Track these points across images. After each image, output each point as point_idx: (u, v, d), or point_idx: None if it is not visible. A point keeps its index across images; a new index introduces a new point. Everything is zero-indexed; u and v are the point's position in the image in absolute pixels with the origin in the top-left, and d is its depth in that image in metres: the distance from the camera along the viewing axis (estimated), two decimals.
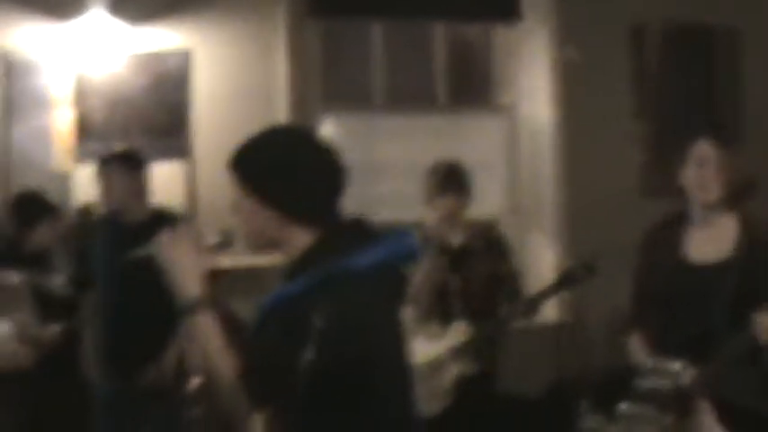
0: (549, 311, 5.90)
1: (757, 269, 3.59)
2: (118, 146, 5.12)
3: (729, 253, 3.66)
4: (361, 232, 2.39)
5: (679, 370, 3.51)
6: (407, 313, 4.92)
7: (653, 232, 3.95)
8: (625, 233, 4.35)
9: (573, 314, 4.80)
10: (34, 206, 4.86)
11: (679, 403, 3.46)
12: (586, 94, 6.08)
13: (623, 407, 3.55)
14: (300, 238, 2.38)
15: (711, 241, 3.73)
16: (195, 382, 3.95)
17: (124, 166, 4.75)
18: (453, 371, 4.62)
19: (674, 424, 3.44)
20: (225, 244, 2.57)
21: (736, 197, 3.69)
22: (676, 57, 6.42)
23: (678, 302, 3.76)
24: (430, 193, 4.80)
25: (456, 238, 4.87)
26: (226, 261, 3.51)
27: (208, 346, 2.36)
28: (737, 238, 3.68)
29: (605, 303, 5.69)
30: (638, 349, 3.90)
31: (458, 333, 4.67)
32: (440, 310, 4.77)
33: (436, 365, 4.63)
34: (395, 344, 2.44)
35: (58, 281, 4.76)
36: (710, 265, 3.70)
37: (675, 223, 3.87)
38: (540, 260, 6.09)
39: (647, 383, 3.54)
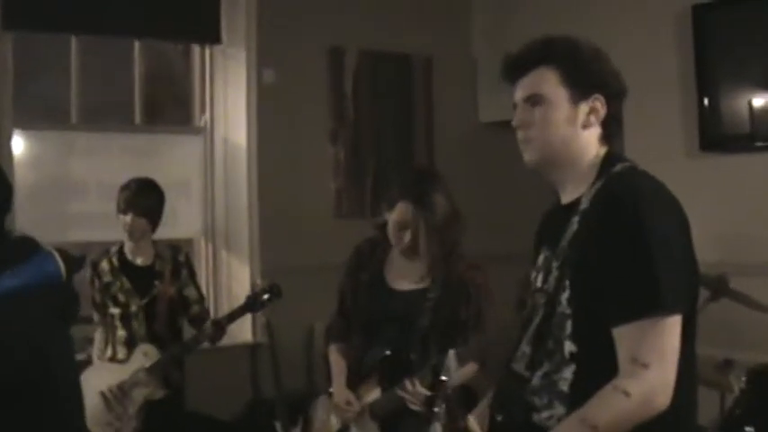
0: (245, 332, 5.94)
1: (449, 303, 3.80)
2: None
3: (425, 285, 3.86)
4: (22, 253, 2.37)
5: None
6: (97, 337, 4.84)
7: (359, 250, 4.09)
8: (319, 254, 4.47)
9: (268, 334, 4.83)
10: None
11: None
12: (283, 116, 6.15)
13: None
14: None
15: (410, 270, 3.91)
16: None
17: None
18: (140, 395, 4.56)
19: None
20: None
21: (429, 256, 3.88)
22: (374, 82, 6.58)
23: (377, 323, 3.91)
24: (118, 209, 4.73)
25: (142, 259, 4.81)
26: None
27: None
28: (433, 273, 3.87)
29: (301, 323, 5.79)
30: (334, 362, 4.05)
31: (143, 356, 4.61)
32: (125, 334, 4.70)
33: (122, 390, 4.54)
34: (39, 365, 2.41)
35: None
36: (407, 293, 3.87)
37: (382, 244, 4.01)
38: (235, 282, 6.10)
39: None
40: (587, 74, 2.39)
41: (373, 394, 3.84)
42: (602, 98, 2.39)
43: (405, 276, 3.94)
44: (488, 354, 3.69)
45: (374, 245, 4.05)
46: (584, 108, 2.38)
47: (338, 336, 4.10)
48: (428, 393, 3.46)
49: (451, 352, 1.96)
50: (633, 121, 3.83)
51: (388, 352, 3.81)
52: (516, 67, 2.46)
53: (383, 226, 3.94)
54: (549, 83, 2.39)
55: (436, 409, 2.02)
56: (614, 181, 2.34)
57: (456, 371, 2.08)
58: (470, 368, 3.81)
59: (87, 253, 5.03)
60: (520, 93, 2.45)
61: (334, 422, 3.92)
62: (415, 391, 3.58)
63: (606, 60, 2.44)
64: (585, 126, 2.39)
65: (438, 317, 3.78)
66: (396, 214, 3.84)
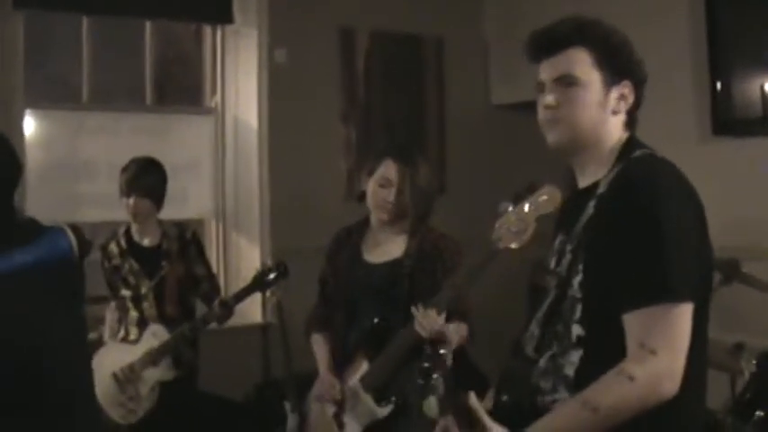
0: (256, 313, 5.95)
1: (425, 270, 3.81)
2: None
3: (400, 255, 3.87)
4: (31, 231, 2.37)
5: None
6: (109, 317, 4.85)
7: (337, 236, 4.13)
8: (329, 236, 4.46)
9: (278, 316, 4.85)
10: None
11: None
12: (294, 97, 6.15)
13: None
14: None
15: (385, 243, 3.94)
16: None
17: None
18: (151, 376, 4.57)
19: None
20: None
21: (412, 213, 3.90)
22: (385, 63, 6.57)
23: (357, 299, 3.93)
24: (120, 192, 4.70)
25: (149, 240, 4.80)
26: None
27: None
28: (407, 242, 3.89)
29: (311, 304, 5.79)
30: (318, 350, 4.06)
31: (152, 337, 4.61)
32: (137, 315, 4.70)
33: (133, 371, 4.56)
34: (43, 343, 2.41)
35: None
36: (384, 264, 3.89)
37: (358, 227, 4.05)
38: (245, 262, 6.10)
39: None
40: (619, 59, 2.40)
41: (361, 370, 3.85)
42: (630, 85, 2.40)
43: (381, 250, 3.97)
44: (463, 303, 3.71)
45: (350, 231, 4.09)
46: (614, 94, 2.39)
47: (320, 325, 4.12)
48: (441, 323, 3.46)
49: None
50: (645, 104, 3.84)
51: (376, 320, 3.83)
52: (545, 46, 2.43)
53: (363, 196, 3.97)
54: (583, 64, 2.37)
55: (434, 378, 2.02)
56: (632, 167, 2.33)
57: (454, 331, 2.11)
58: (461, 331, 3.83)
59: (95, 235, 5.01)
60: (549, 72, 2.41)
61: (329, 409, 3.94)
62: (426, 314, 3.48)
63: (632, 47, 2.43)
64: (615, 112, 2.40)
65: (416, 285, 3.81)
66: (382, 170, 3.90)
